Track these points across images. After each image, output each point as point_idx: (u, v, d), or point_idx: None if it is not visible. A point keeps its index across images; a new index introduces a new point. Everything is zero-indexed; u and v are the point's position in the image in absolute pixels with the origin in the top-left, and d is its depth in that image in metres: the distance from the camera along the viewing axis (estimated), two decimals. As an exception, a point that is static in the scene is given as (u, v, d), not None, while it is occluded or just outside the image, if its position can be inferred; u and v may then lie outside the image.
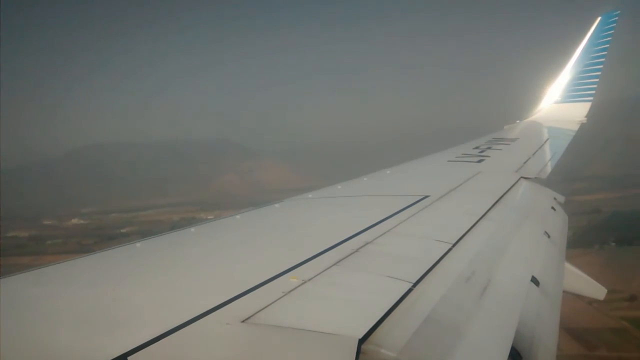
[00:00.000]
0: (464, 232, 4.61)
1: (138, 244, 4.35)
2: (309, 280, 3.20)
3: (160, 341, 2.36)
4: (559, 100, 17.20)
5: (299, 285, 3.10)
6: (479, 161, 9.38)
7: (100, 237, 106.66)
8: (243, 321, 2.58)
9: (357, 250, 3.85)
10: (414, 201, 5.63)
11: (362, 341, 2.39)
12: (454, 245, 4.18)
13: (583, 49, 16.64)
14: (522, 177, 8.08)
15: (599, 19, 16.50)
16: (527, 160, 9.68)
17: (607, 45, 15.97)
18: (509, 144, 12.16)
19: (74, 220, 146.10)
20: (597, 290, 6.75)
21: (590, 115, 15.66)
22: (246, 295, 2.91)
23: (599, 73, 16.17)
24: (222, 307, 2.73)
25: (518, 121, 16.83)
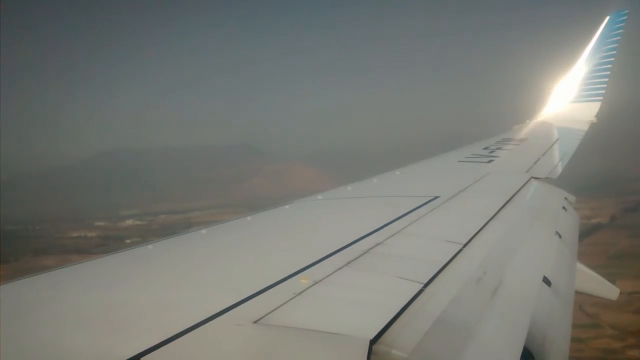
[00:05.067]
0: (474, 232, 4.59)
1: (150, 246, 4.37)
2: (320, 281, 3.20)
3: (173, 342, 2.36)
4: (568, 100, 17.11)
5: (309, 287, 3.10)
6: (489, 161, 9.34)
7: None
8: (255, 322, 2.58)
9: (367, 251, 3.84)
10: (424, 202, 5.62)
11: (373, 342, 2.39)
12: (464, 245, 4.17)
13: (592, 48, 16.55)
14: (532, 177, 8.05)
15: (607, 18, 16.41)
16: (537, 160, 9.64)
17: (616, 45, 15.88)
18: (518, 144, 12.10)
19: (129, 222, 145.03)
20: (609, 291, 6.72)
21: (601, 115, 15.56)
22: (257, 297, 2.91)
23: (608, 72, 16.07)
24: (233, 308, 2.74)
25: (527, 121, 16.75)
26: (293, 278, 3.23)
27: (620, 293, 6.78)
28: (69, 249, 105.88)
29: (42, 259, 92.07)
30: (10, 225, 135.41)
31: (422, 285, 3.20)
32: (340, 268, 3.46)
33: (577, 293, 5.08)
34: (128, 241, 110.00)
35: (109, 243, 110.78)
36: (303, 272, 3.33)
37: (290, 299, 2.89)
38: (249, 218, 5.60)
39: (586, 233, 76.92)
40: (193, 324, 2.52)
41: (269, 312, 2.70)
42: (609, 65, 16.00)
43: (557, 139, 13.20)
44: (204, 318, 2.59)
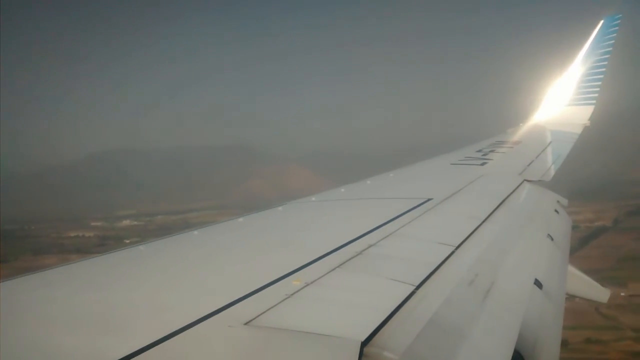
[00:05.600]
0: (467, 235, 4.60)
1: (142, 247, 4.36)
2: (312, 282, 3.20)
3: (163, 344, 2.35)
4: (561, 104, 17.18)
5: (301, 288, 3.10)
6: (482, 164, 9.37)
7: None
8: (246, 323, 2.58)
9: (360, 253, 3.85)
10: (417, 204, 5.63)
11: (364, 344, 2.38)
12: (456, 248, 4.18)
13: (585, 52, 16.64)
14: (525, 180, 8.08)
15: (601, 22, 16.51)
16: (530, 163, 9.68)
17: (610, 49, 15.97)
18: (512, 147, 12.14)
19: (127, 222, 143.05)
20: (600, 293, 6.75)
21: (594, 118, 15.64)
22: (249, 298, 2.91)
23: (601, 76, 16.16)
24: (224, 309, 2.73)
25: (521, 124, 16.81)
26: (285, 279, 3.22)
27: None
28: (68, 248, 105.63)
29: (41, 259, 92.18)
30: (6, 224, 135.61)
31: (414, 287, 3.20)
32: (333, 270, 3.46)
33: (569, 296, 5.10)
34: (127, 241, 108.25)
35: (107, 243, 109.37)
36: (295, 274, 3.33)
37: (282, 301, 2.89)
38: (241, 219, 5.59)
39: (591, 236, 77.41)
40: (184, 325, 2.52)
41: (261, 314, 2.69)
42: (602, 69, 16.09)
43: (550, 142, 13.25)
44: (195, 319, 2.58)
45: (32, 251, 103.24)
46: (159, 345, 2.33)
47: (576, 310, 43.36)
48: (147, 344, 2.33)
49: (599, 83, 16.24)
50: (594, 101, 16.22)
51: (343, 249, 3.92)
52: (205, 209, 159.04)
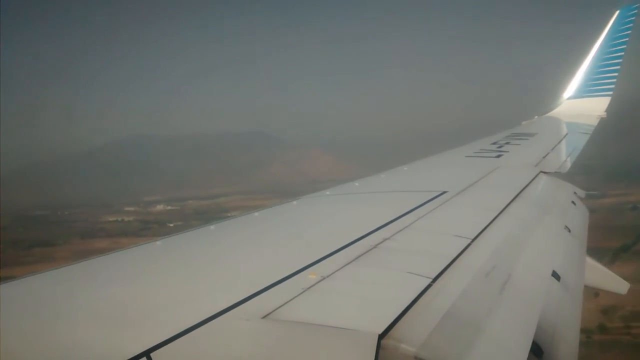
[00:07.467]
0: (483, 227, 4.57)
1: (159, 242, 4.38)
2: (328, 276, 3.20)
3: (182, 338, 2.37)
4: (577, 95, 17.03)
5: (318, 282, 3.10)
6: (498, 156, 9.31)
7: (222, 220, 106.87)
8: (263, 317, 2.59)
9: (375, 247, 3.84)
10: (432, 197, 5.60)
11: (382, 336, 2.38)
12: (473, 240, 4.15)
13: (602, 43, 16.46)
14: (541, 172, 8.02)
15: (617, 12, 16.32)
16: (546, 155, 9.60)
17: (626, 39, 15.79)
18: (527, 139, 12.05)
19: (160, 207, 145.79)
20: (619, 285, 6.68)
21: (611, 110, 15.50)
22: (266, 292, 2.91)
23: (618, 67, 15.99)
24: (242, 303, 2.74)
25: (536, 117, 16.68)
26: (301, 273, 3.23)
27: None
28: (113, 232, 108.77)
29: (91, 242, 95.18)
30: (39, 210, 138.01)
31: (430, 280, 3.19)
32: (349, 263, 3.46)
33: (587, 287, 5.06)
34: (171, 225, 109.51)
35: (151, 227, 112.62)
36: (311, 268, 3.33)
37: (299, 294, 2.89)
38: (257, 214, 5.60)
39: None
40: (202, 319, 2.53)
41: (278, 307, 2.70)
42: (619, 60, 15.92)
43: (566, 134, 13.14)
44: (213, 314, 2.60)
45: (79, 235, 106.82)
46: (176, 340, 2.35)
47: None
48: (165, 338, 2.34)
49: (616, 74, 16.08)
50: (610, 92, 16.06)
51: (358, 242, 3.92)
52: (233, 194, 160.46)
